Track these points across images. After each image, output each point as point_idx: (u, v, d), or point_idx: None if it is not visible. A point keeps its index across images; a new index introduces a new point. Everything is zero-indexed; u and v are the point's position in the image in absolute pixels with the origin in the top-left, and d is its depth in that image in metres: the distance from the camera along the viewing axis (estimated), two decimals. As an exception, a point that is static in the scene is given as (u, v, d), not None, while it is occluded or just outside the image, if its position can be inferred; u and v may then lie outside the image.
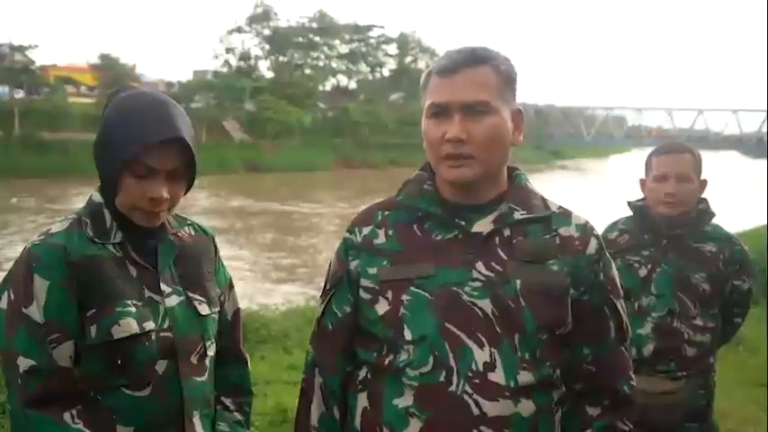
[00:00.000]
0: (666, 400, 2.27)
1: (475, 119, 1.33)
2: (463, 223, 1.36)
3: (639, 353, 2.28)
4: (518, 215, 1.37)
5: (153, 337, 1.42)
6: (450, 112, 1.33)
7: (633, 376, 1.44)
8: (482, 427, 1.28)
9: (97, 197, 1.48)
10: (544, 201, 1.42)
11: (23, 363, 1.35)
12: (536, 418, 1.31)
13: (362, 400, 1.39)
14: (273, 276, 12.89)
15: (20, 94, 39.39)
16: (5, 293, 1.40)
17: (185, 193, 1.50)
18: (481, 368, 1.29)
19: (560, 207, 1.43)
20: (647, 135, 56.87)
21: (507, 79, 1.37)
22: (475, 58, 1.34)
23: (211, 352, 1.55)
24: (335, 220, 20.98)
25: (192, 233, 1.61)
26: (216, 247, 1.66)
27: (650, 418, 2.18)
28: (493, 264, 1.33)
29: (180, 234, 1.56)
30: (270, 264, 14.19)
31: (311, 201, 25.96)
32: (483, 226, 1.36)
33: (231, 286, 1.69)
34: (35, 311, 1.36)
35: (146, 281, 1.46)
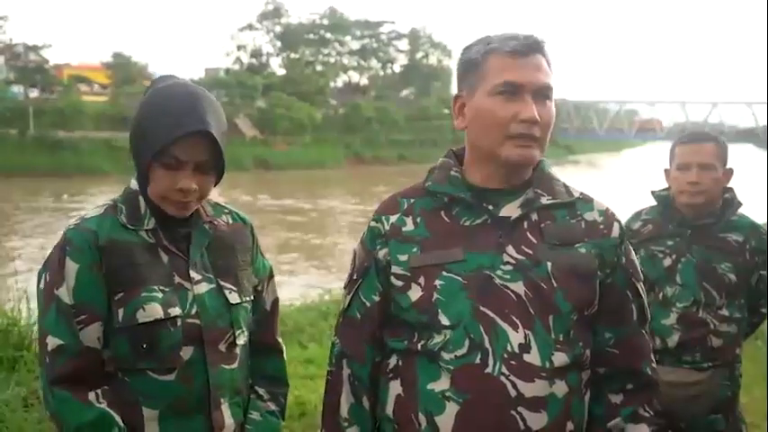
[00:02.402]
0: (692, 391, 2.25)
1: (543, 102, 1.36)
2: (491, 208, 1.38)
3: (664, 343, 2.26)
4: (544, 200, 1.39)
5: (179, 323, 1.44)
6: (523, 93, 1.34)
7: (654, 359, 1.46)
8: (520, 408, 1.28)
9: (134, 185, 1.51)
10: (566, 187, 1.45)
11: (51, 342, 1.40)
12: (569, 399, 1.32)
13: (395, 388, 1.39)
14: (287, 272, 12.92)
15: (34, 94, 39.70)
16: (44, 275, 1.45)
17: (215, 185, 1.52)
18: (517, 349, 1.30)
19: (582, 193, 1.46)
20: (659, 128, 56.52)
21: (551, 71, 1.41)
22: (538, 46, 1.38)
23: (241, 341, 1.55)
24: (348, 216, 21.00)
25: (230, 222, 1.62)
26: (254, 235, 1.67)
27: (675, 409, 2.16)
28: (523, 247, 1.35)
29: (216, 222, 1.58)
30: (283, 260, 14.22)
31: (323, 197, 26.00)
32: (511, 210, 1.38)
33: (271, 276, 1.71)
34: (65, 293, 1.41)
35: (176, 268, 1.48)
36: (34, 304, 4.39)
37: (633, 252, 1.47)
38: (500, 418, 1.28)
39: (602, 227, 1.40)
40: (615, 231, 1.41)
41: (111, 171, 31.45)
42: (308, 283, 11.20)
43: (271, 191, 27.12)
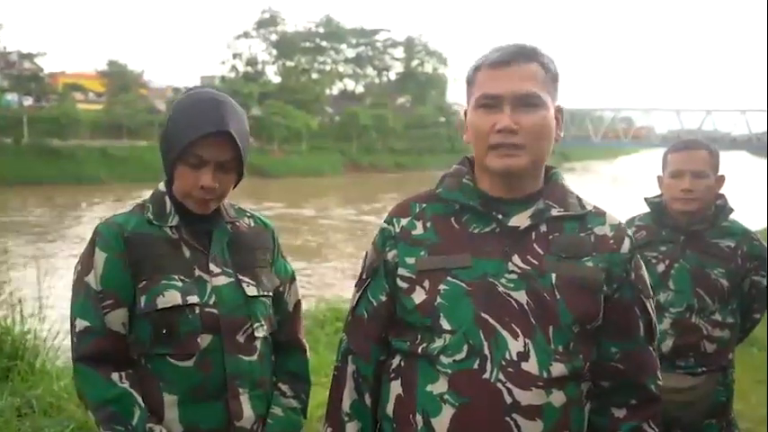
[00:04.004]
0: (686, 396, 2.25)
1: (526, 110, 1.36)
2: (500, 217, 1.39)
3: (658, 349, 2.26)
4: (554, 212, 1.40)
5: (197, 311, 1.54)
6: (502, 104, 1.36)
7: (660, 376, 1.45)
8: (515, 415, 1.29)
9: (162, 186, 1.64)
10: (579, 200, 1.45)
11: (79, 324, 1.54)
12: (567, 410, 1.33)
13: (396, 388, 1.42)
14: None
15: (28, 102, 39.68)
16: (76, 266, 1.59)
17: (235, 186, 1.62)
18: (515, 357, 1.31)
19: (595, 207, 1.46)
20: (653, 135, 56.71)
21: (553, 77, 1.41)
22: (526, 54, 1.38)
23: (260, 333, 1.62)
24: (345, 223, 21.00)
25: (252, 224, 1.73)
26: (275, 239, 1.77)
27: (669, 414, 2.16)
28: (529, 257, 1.36)
29: (237, 223, 1.69)
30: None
31: (321, 204, 25.99)
32: (520, 220, 1.38)
33: (293, 279, 1.80)
34: (92, 280, 1.54)
35: (197, 261, 1.59)
36: (27, 313, 4.39)
37: (644, 268, 1.46)
38: (494, 424, 1.30)
39: (611, 241, 1.40)
40: (625, 247, 1.41)
41: (107, 179, 31.42)
42: (303, 291, 11.18)
43: (268, 198, 27.09)
